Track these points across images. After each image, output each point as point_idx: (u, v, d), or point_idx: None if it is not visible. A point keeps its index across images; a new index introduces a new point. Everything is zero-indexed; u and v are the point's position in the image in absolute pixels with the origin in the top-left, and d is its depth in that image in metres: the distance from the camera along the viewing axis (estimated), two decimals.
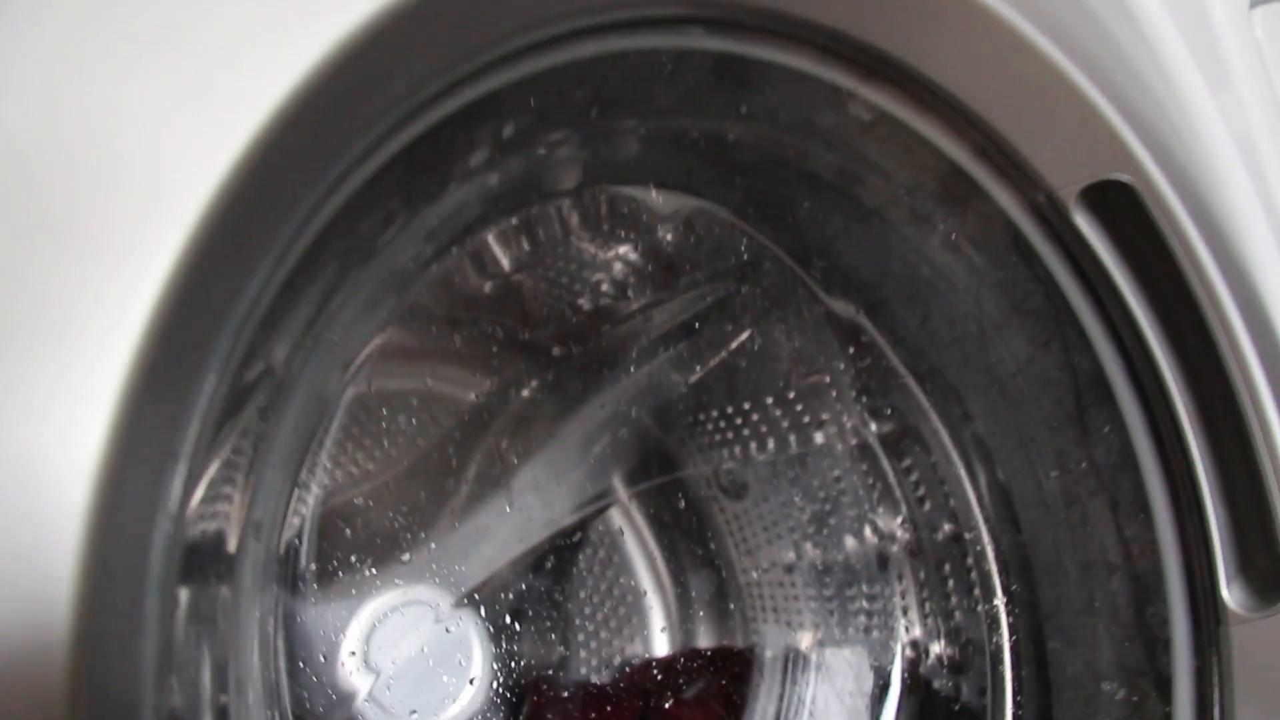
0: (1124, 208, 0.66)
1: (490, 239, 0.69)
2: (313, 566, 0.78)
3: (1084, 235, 0.67)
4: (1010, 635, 0.82)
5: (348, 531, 0.85)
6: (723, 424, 0.95)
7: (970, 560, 0.84)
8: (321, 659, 0.79)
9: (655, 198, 0.71)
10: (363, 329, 0.65)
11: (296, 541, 0.76)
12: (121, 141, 0.34)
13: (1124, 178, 0.65)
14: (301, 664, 0.75)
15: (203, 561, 0.45)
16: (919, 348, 0.79)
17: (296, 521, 0.76)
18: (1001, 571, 0.82)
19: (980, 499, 0.82)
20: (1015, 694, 0.80)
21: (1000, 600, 0.82)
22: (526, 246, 0.74)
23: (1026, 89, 0.64)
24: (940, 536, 0.87)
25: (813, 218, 0.72)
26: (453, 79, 0.45)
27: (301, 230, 0.42)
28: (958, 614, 0.86)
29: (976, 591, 0.85)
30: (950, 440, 0.84)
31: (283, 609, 0.62)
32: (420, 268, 0.61)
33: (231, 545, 0.50)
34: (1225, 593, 0.68)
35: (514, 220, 0.68)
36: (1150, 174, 0.65)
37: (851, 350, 0.82)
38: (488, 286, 0.87)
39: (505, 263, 0.73)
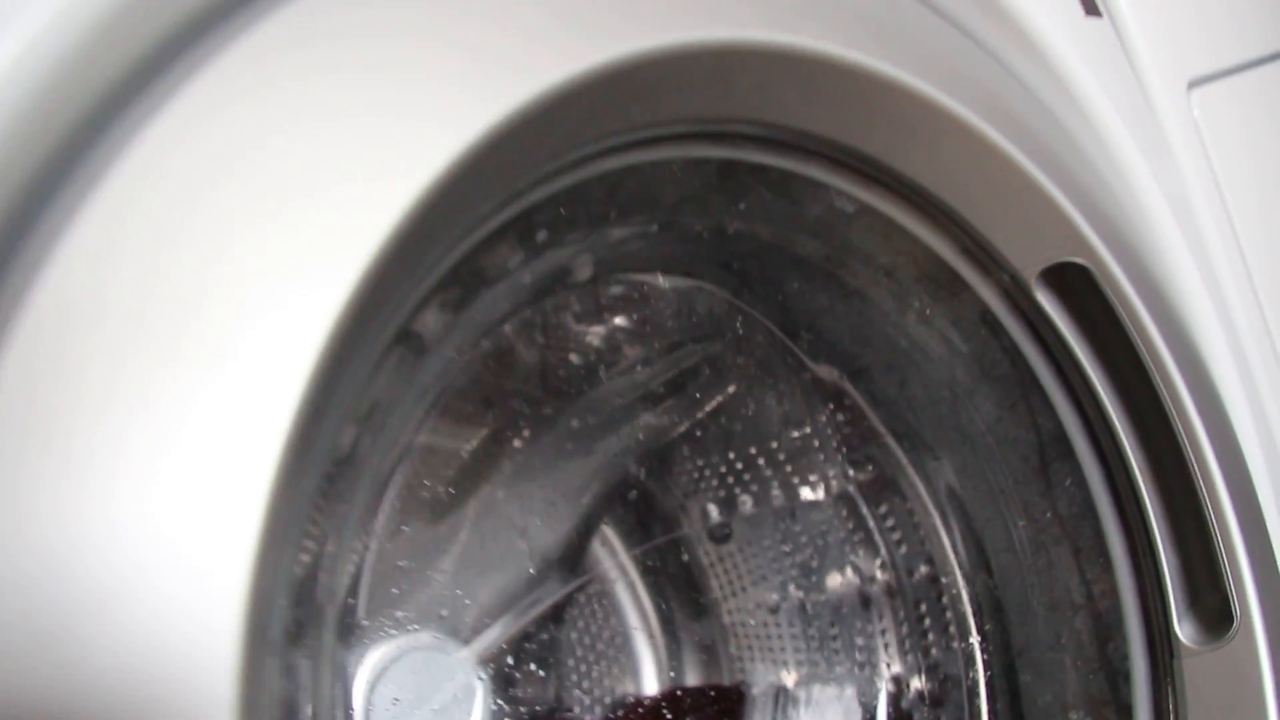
0: (1080, 285, 0.74)
1: (508, 328, 0.76)
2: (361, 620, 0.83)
3: (1045, 310, 0.75)
4: (985, 671, 0.89)
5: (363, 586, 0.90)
6: (710, 476, 1.01)
7: (946, 601, 0.92)
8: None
9: (660, 281, 0.79)
10: (412, 411, 0.71)
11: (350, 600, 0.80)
12: (251, 289, 0.41)
13: (1079, 260, 0.73)
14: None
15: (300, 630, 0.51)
16: (897, 409, 0.86)
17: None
18: (975, 612, 0.89)
19: (954, 545, 0.89)
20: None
21: (975, 639, 0.89)
22: (540, 330, 0.80)
23: (991, 183, 0.72)
24: (917, 578, 0.94)
25: (800, 296, 0.79)
26: (511, 195, 0.52)
27: (376, 340, 0.49)
28: (935, 651, 0.93)
29: (953, 630, 0.92)
30: (926, 491, 0.91)
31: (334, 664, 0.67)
32: (460, 357, 0.68)
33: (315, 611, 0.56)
34: (1177, 628, 0.76)
35: (531, 310, 0.75)
36: (1101, 256, 0.73)
37: (834, 409, 0.89)
38: (485, 344, 0.93)
39: (520, 346, 0.80)
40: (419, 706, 0.89)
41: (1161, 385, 0.75)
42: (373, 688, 0.86)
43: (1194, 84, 0.98)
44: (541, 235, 0.62)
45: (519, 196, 0.55)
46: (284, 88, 0.45)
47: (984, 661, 0.88)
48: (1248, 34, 1.05)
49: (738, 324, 0.83)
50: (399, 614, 0.88)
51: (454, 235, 0.50)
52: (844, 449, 0.91)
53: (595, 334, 0.86)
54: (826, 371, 0.86)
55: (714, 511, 1.03)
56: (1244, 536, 0.76)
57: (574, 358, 0.92)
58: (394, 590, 0.85)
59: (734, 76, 0.59)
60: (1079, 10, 0.83)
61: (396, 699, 0.87)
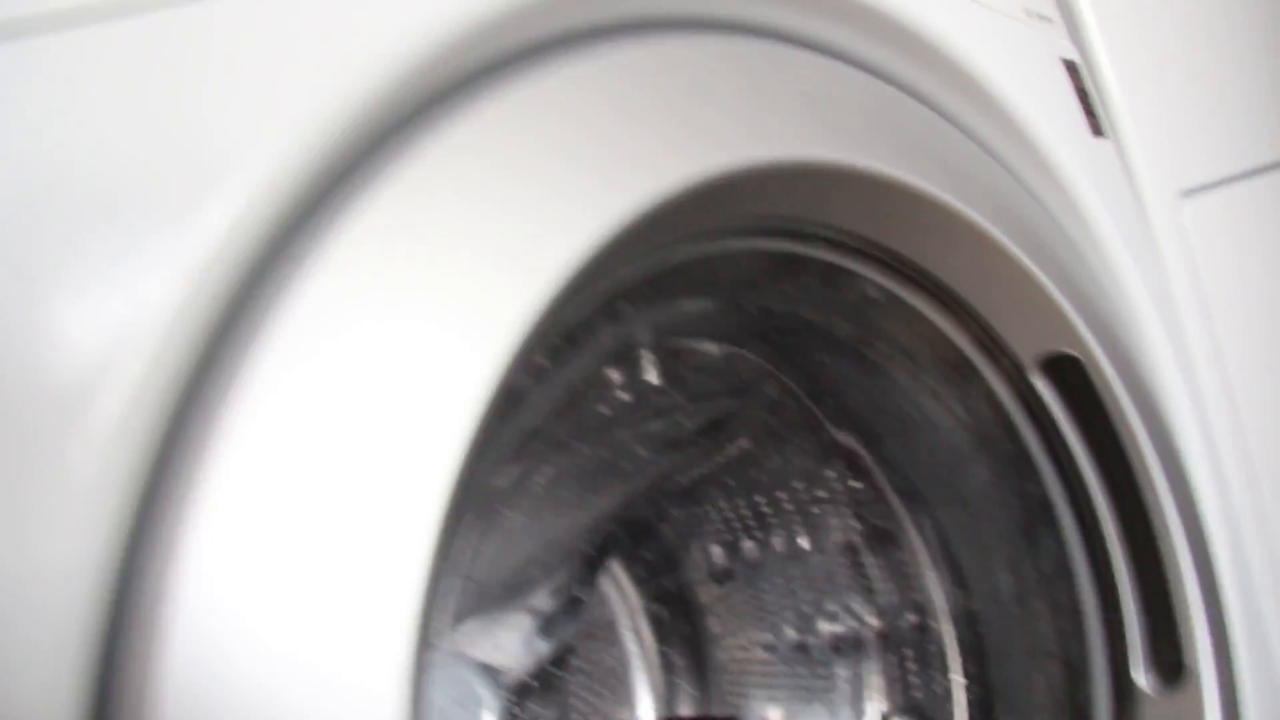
0: (1072, 373, 0.85)
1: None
2: None
3: (1040, 394, 0.86)
4: (967, 711, 0.99)
5: None
6: (718, 521, 1.10)
7: (933, 646, 1.02)
8: None
9: (709, 347, 0.90)
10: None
11: None
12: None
13: (1072, 351, 0.84)
14: None
15: None
16: (903, 471, 0.97)
17: None
18: (960, 655, 1.00)
19: (945, 593, 1.00)
20: None
21: (958, 679, 1.00)
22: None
23: (1000, 280, 0.82)
24: (907, 624, 1.04)
25: (828, 368, 0.90)
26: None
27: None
28: (918, 693, 1.03)
29: (936, 672, 1.02)
30: (920, 544, 1.01)
31: None
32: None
33: None
34: (1138, 678, 0.86)
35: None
36: (1091, 349, 0.84)
37: (846, 466, 1.00)
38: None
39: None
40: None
41: (1137, 465, 0.85)
42: None
43: (1186, 194, 1.08)
44: (623, 306, 0.73)
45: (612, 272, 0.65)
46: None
47: (966, 702, 0.99)
48: (1239, 147, 1.16)
49: (768, 387, 0.94)
50: None
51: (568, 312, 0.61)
52: (851, 504, 1.01)
53: (639, 385, 0.95)
54: (844, 437, 0.97)
55: (719, 554, 1.12)
56: (1202, 600, 0.86)
57: (609, 406, 1.01)
58: None
59: (797, 186, 0.70)
60: (1087, 132, 0.94)
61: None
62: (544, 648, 1.03)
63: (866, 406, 0.92)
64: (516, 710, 0.99)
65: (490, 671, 0.98)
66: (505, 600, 1.01)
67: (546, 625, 1.04)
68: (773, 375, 0.92)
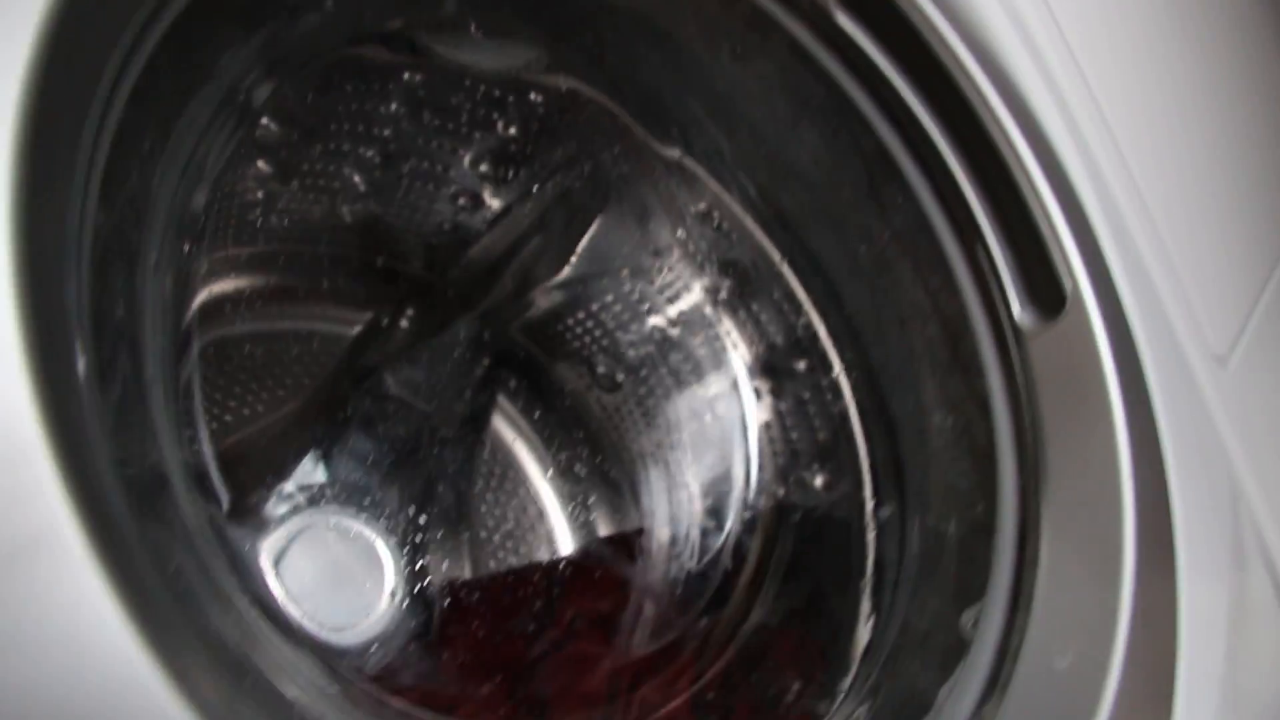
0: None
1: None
2: (222, 503, 0.82)
3: (849, 34, 0.77)
4: (853, 396, 0.93)
5: (247, 467, 0.89)
6: (590, 324, 1.03)
7: (805, 339, 0.96)
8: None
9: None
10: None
11: (205, 480, 0.79)
12: None
13: None
14: None
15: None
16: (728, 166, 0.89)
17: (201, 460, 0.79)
18: (835, 346, 0.94)
19: (803, 284, 0.93)
20: (866, 438, 0.92)
21: (839, 369, 0.94)
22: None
23: None
24: (783, 344, 0.97)
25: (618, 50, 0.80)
26: None
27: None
28: (809, 398, 0.97)
29: (819, 374, 0.96)
30: (766, 239, 0.94)
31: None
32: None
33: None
34: (1018, 314, 0.80)
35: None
36: None
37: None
38: (348, 215, 0.93)
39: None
40: (330, 582, 0.89)
41: (970, 93, 0.78)
42: (278, 566, 0.86)
43: None
44: None
45: None
46: None
47: (850, 387, 0.93)
48: None
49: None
50: (291, 491, 0.88)
51: None
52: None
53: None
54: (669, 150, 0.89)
55: (601, 362, 1.05)
56: (1066, 218, 0.80)
57: (423, 204, 0.93)
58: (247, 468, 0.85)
59: None
60: None
61: (304, 576, 0.87)
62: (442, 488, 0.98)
63: (669, 93, 0.83)
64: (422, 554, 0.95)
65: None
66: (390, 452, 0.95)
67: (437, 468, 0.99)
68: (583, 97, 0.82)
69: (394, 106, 0.89)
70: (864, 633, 0.86)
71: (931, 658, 0.76)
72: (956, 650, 0.73)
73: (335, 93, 0.86)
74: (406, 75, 0.87)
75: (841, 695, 0.83)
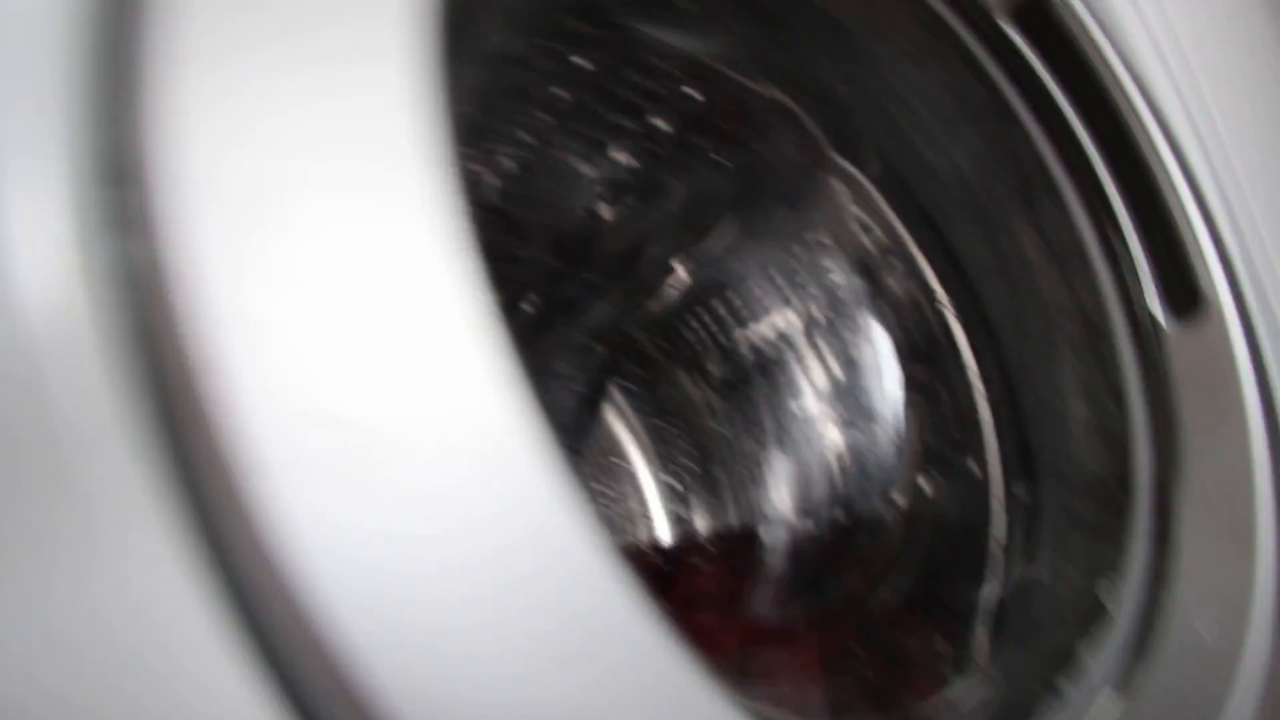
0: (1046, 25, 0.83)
1: None
2: None
3: (1017, 46, 0.84)
4: (985, 389, 0.99)
5: None
6: (712, 325, 1.07)
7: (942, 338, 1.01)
8: None
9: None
10: None
11: None
12: None
13: None
14: None
15: None
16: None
17: None
18: (968, 337, 0.99)
19: (941, 278, 0.98)
20: (997, 425, 0.97)
21: (971, 361, 0.99)
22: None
23: None
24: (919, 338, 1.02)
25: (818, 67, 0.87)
26: None
27: None
28: (940, 389, 1.02)
29: (953, 365, 1.01)
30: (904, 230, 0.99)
31: None
32: None
33: None
34: (1156, 312, 0.86)
35: None
36: None
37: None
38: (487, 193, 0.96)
39: None
40: None
41: (1124, 106, 0.85)
42: None
43: None
44: None
45: None
46: None
47: (982, 380, 0.98)
48: None
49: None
50: None
51: None
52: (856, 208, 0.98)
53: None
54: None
55: (717, 365, 1.08)
56: (1205, 228, 0.87)
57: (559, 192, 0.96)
58: None
59: None
60: None
61: None
62: None
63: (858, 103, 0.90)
64: None
65: None
66: None
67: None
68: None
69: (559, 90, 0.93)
70: (991, 599, 0.91)
71: (1068, 621, 0.82)
72: (1096, 614, 0.79)
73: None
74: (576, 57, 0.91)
75: (972, 663, 0.88)
